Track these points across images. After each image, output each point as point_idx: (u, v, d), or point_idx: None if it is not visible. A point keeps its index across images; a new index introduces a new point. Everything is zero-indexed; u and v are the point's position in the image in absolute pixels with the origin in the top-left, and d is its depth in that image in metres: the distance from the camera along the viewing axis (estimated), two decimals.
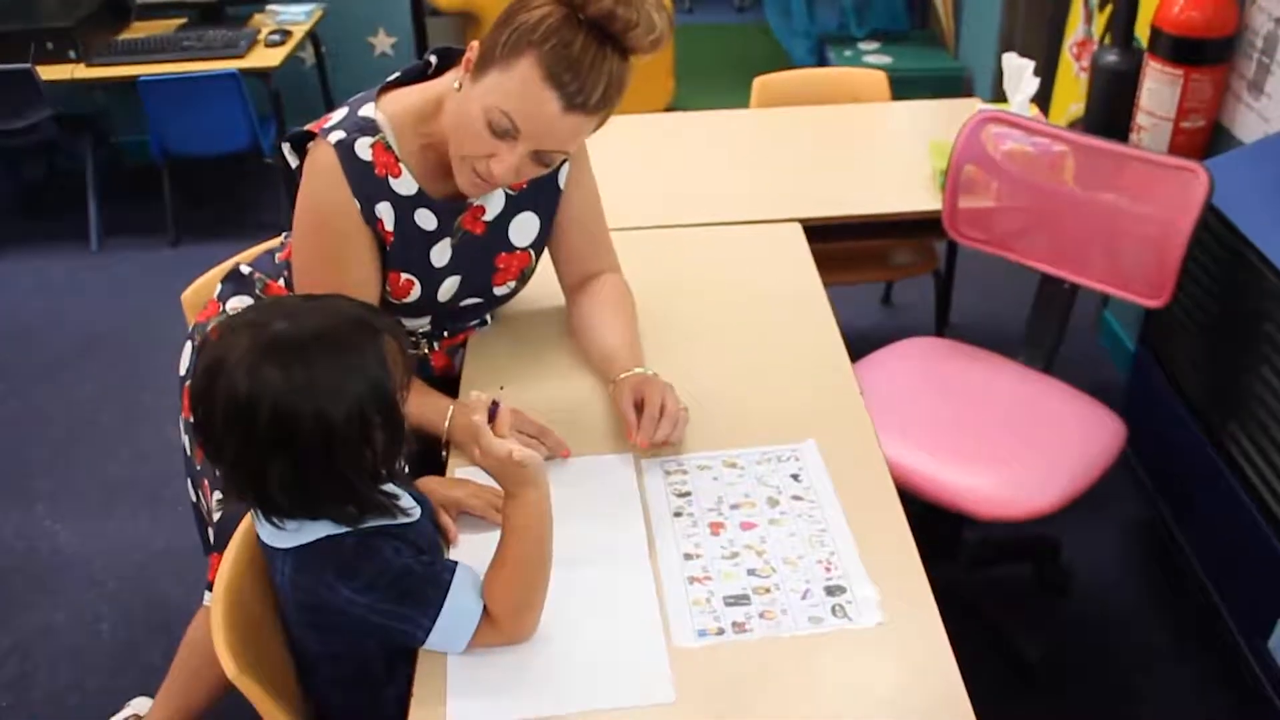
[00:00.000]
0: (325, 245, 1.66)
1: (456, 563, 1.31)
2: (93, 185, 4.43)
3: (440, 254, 1.73)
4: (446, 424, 1.67)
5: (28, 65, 4.04)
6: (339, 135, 1.60)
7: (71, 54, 4.19)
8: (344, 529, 1.25)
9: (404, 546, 1.28)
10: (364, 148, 1.61)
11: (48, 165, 4.88)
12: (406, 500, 1.33)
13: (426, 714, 1.23)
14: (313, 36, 4.69)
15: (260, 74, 4.15)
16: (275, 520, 1.25)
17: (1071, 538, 2.52)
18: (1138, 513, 2.65)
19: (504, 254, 1.79)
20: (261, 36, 4.32)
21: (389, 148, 1.63)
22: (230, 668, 1.27)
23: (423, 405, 1.67)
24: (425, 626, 1.26)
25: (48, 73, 4.11)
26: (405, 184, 1.65)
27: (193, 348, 1.89)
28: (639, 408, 1.63)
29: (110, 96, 4.55)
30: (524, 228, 1.80)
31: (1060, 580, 2.48)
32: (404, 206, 1.66)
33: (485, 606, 1.29)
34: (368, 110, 1.63)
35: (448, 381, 1.88)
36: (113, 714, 2.19)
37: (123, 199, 4.66)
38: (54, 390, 3.47)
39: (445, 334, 1.89)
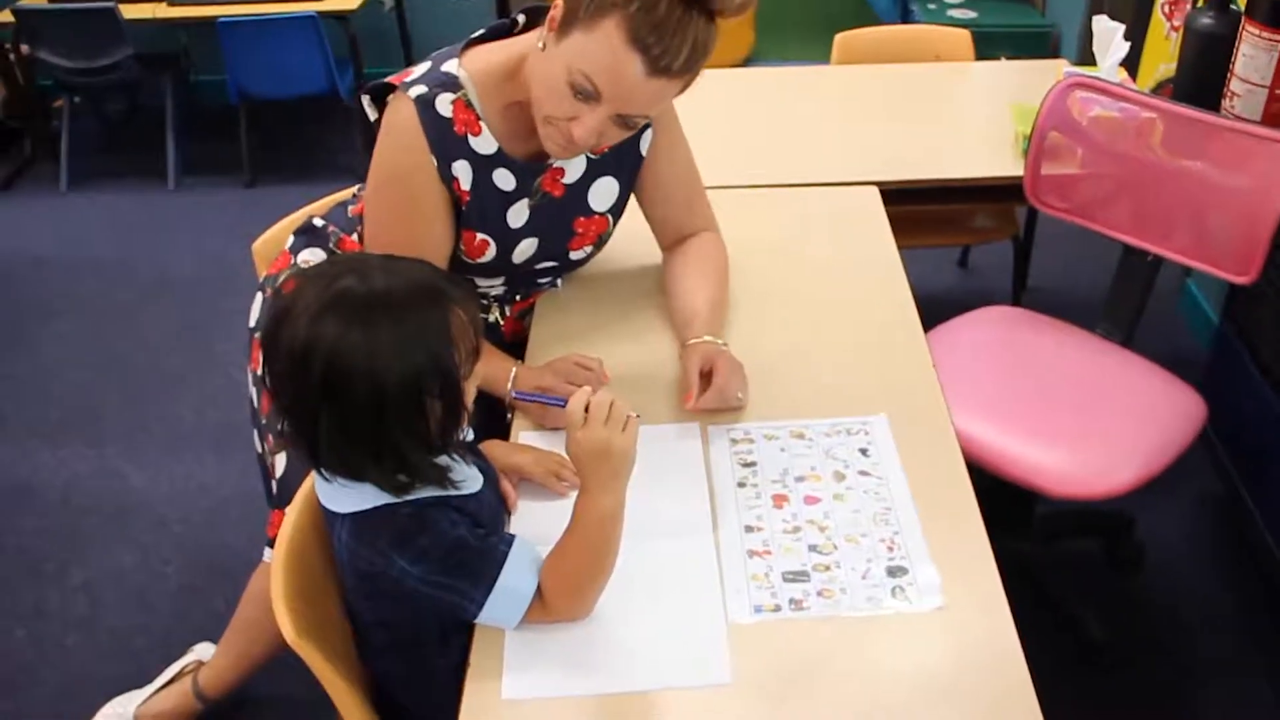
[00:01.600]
0: (398, 203, 1.65)
1: (514, 537, 1.30)
2: (172, 124, 4.49)
3: (517, 215, 1.71)
4: (509, 386, 1.66)
5: (111, 4, 4.09)
6: (420, 90, 1.58)
7: None
8: (406, 499, 1.25)
9: (461, 519, 1.27)
10: (445, 104, 1.59)
11: (130, 103, 4.95)
12: (465, 471, 1.32)
13: (482, 686, 1.23)
14: None
15: (339, 17, 4.16)
16: (325, 475, 1.25)
17: (1144, 513, 2.46)
18: (1213, 489, 2.58)
19: (582, 218, 1.77)
20: None
21: (470, 105, 1.61)
22: (289, 631, 1.28)
23: (486, 366, 1.67)
24: (477, 601, 1.25)
25: (130, 11, 4.17)
26: (485, 143, 1.63)
27: (263, 299, 1.90)
28: (704, 376, 1.62)
29: (191, 36, 4.58)
30: (603, 192, 1.77)
31: (1132, 557, 2.44)
32: (482, 166, 1.64)
33: (540, 588, 1.27)
34: (451, 66, 1.61)
35: (516, 345, 1.87)
36: (176, 657, 2.23)
37: (201, 138, 4.72)
38: (127, 330, 3.53)
39: (518, 298, 1.88)
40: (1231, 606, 2.36)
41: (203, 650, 2.22)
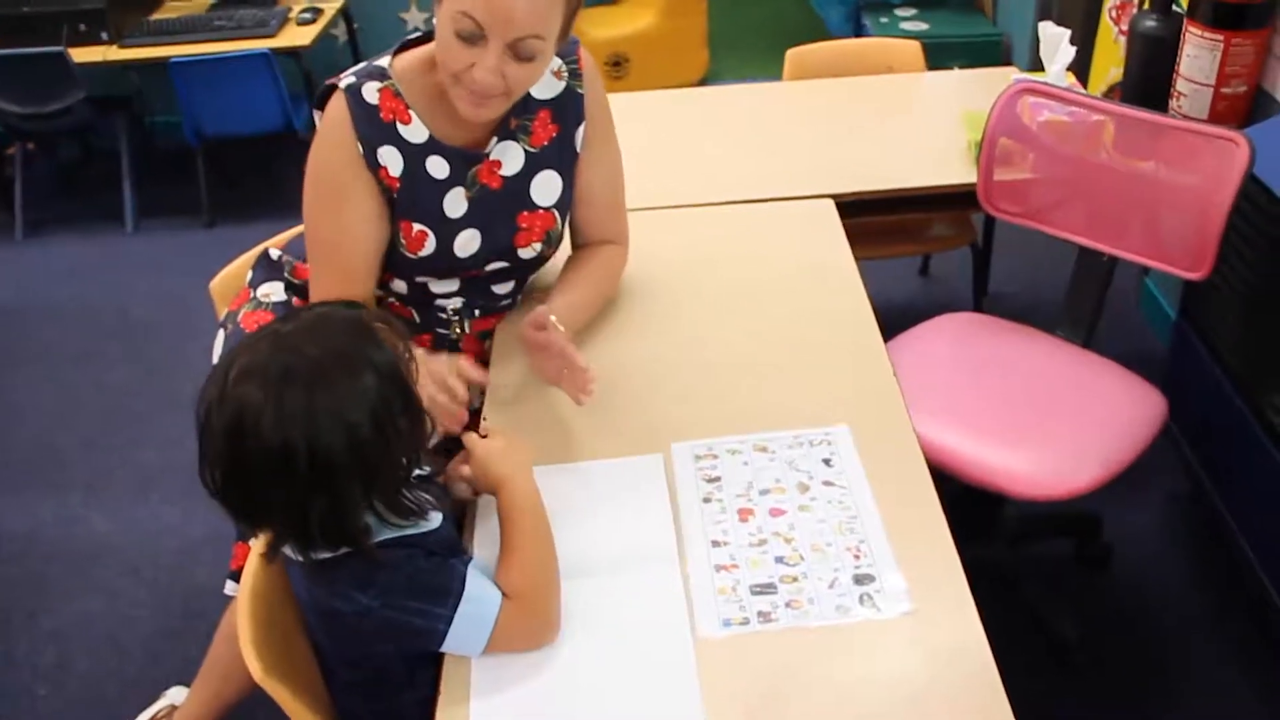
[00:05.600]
0: (325, 195, 1.68)
1: (469, 558, 1.32)
2: (127, 167, 4.45)
3: (454, 204, 1.71)
4: None
5: (60, 48, 4.06)
6: (349, 80, 1.65)
7: (104, 35, 4.22)
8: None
9: (417, 552, 1.27)
10: (371, 91, 1.64)
11: (82, 147, 4.91)
12: (427, 507, 1.32)
13: (450, 715, 1.23)
14: (344, 13, 4.69)
15: (292, 53, 4.15)
16: (312, 553, 1.24)
17: (1112, 512, 2.48)
18: (1179, 486, 2.60)
19: (525, 213, 1.78)
20: (293, 15, 4.32)
21: (398, 94, 1.65)
22: (256, 668, 1.27)
23: None
24: (445, 618, 1.24)
25: (80, 54, 4.14)
26: (416, 131, 1.66)
27: (224, 335, 1.89)
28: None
29: (144, 77, 4.55)
30: (547, 186, 1.78)
31: (1101, 556, 2.45)
32: (414, 153, 1.67)
33: (504, 593, 1.29)
34: (382, 61, 1.68)
35: (481, 365, 1.86)
36: (150, 702, 2.20)
37: (157, 180, 4.68)
38: (88, 375, 3.49)
39: (477, 312, 1.87)
40: (1201, 601, 2.37)
41: (175, 694, 2.20)
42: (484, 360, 1.87)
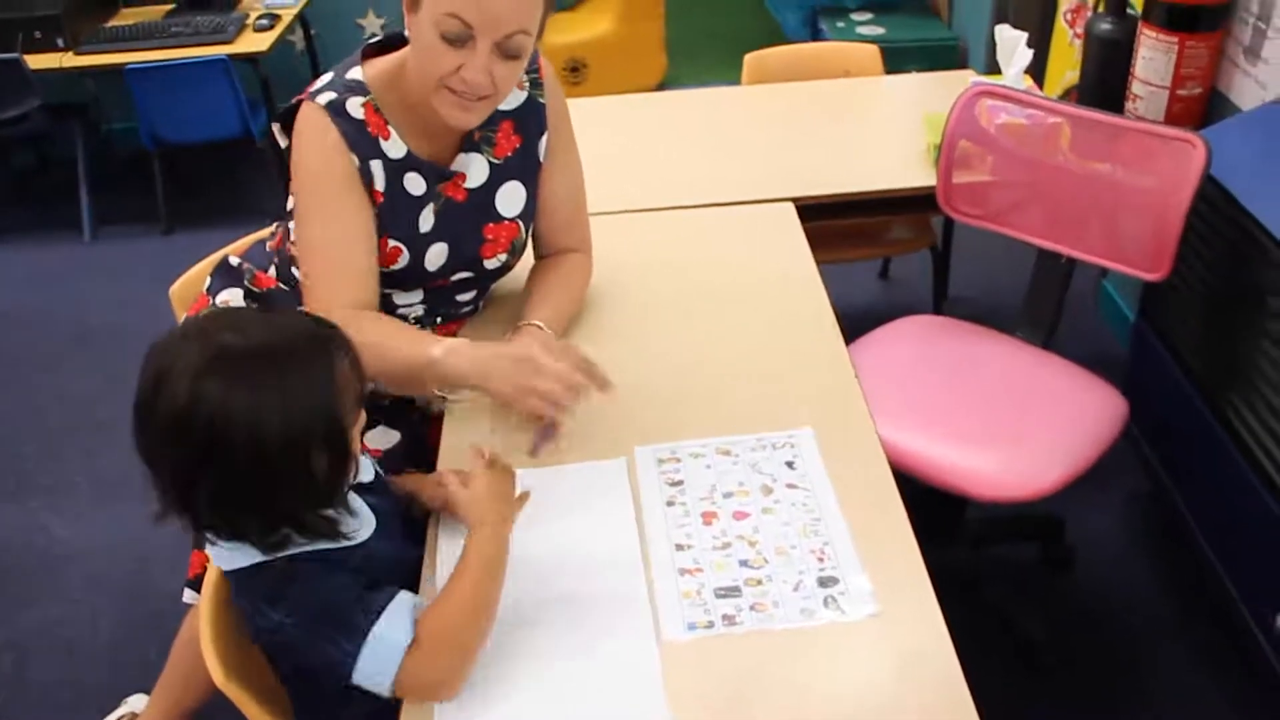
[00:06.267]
0: (329, 201, 1.63)
1: (399, 591, 1.26)
2: (84, 174, 4.41)
3: (425, 219, 1.71)
4: (442, 356, 1.59)
5: (16, 55, 4.01)
6: (330, 96, 1.61)
7: (60, 42, 4.16)
8: (285, 554, 1.22)
9: (339, 570, 1.24)
10: (355, 106, 1.62)
11: (38, 155, 4.85)
12: (350, 522, 1.30)
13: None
14: (302, 20, 4.66)
15: (249, 59, 4.12)
16: (210, 538, 1.23)
17: (1075, 514, 2.50)
18: (1141, 487, 2.62)
19: (491, 224, 1.77)
20: (250, 21, 4.28)
21: (378, 109, 1.63)
22: (218, 673, 1.27)
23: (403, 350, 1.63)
24: (350, 653, 1.20)
25: (36, 61, 4.09)
26: (395, 146, 1.65)
27: None
28: None
29: (100, 84, 4.51)
30: (511, 198, 1.78)
31: (1064, 558, 2.47)
32: (394, 169, 1.65)
33: (417, 637, 1.22)
34: (355, 74, 1.64)
35: None
36: (110, 710, 2.18)
37: (115, 187, 4.63)
38: (48, 383, 3.45)
39: (439, 319, 1.86)
40: (1165, 601, 2.39)
41: (135, 702, 2.18)
42: None
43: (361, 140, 1.62)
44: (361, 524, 1.31)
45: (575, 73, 4.93)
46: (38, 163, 4.88)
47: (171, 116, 4.11)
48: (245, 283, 1.87)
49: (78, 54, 4.15)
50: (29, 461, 3.09)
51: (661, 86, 5.13)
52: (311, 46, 4.82)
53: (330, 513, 1.24)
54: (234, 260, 1.91)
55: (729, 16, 5.85)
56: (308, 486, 1.19)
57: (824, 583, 1.35)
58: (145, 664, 2.32)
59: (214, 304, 1.87)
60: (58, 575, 2.69)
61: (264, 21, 4.26)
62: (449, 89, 1.53)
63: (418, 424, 1.83)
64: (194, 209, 4.47)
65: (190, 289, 1.99)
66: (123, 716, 2.14)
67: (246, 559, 1.23)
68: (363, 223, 1.65)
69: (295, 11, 4.46)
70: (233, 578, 1.26)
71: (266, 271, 1.84)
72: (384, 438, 1.80)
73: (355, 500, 1.32)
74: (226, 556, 1.24)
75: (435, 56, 1.50)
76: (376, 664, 1.20)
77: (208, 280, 1.92)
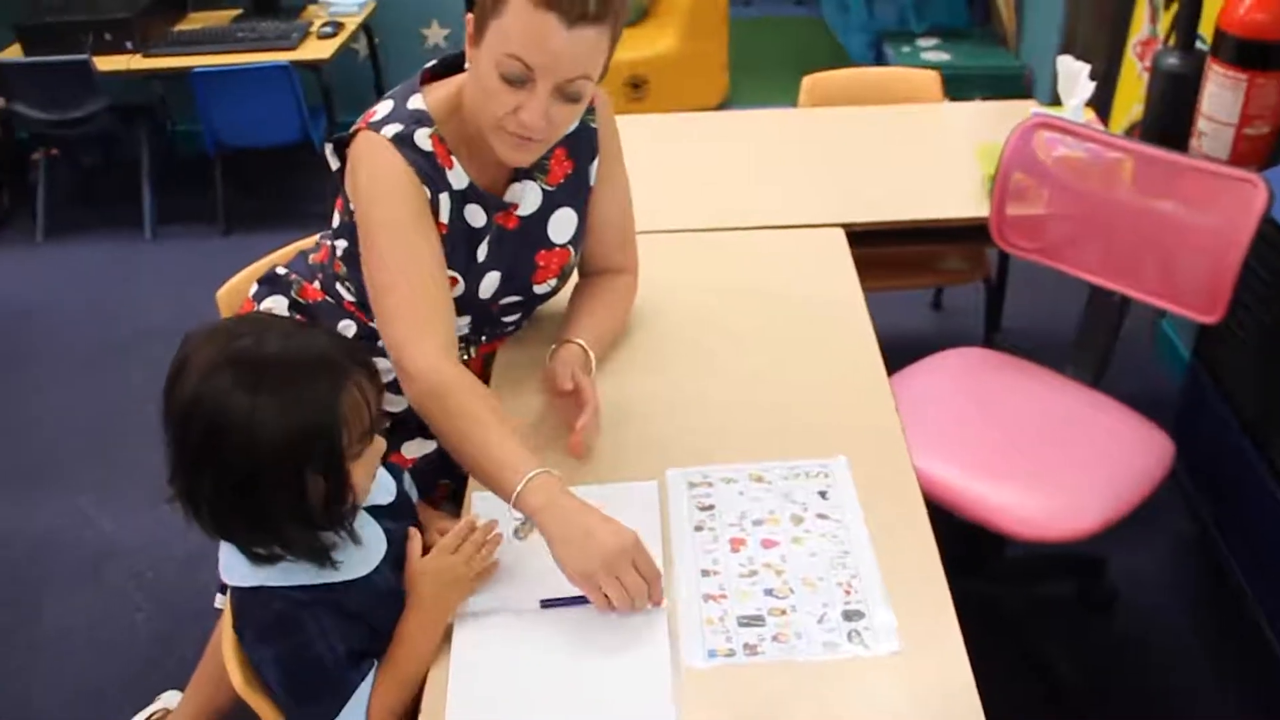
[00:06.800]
0: (403, 231, 1.56)
1: (374, 664, 1.29)
2: (147, 175, 4.49)
3: (482, 249, 1.70)
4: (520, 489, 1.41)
5: (85, 56, 4.09)
6: (395, 129, 1.57)
7: (128, 44, 4.25)
8: (284, 584, 1.24)
9: (331, 625, 1.26)
10: (424, 138, 1.58)
11: (105, 154, 4.94)
12: (353, 553, 1.30)
13: None
14: (365, 28, 4.71)
15: (312, 66, 4.17)
16: (207, 532, 1.24)
17: (1116, 554, 2.44)
18: (1187, 530, 2.56)
19: (544, 251, 1.76)
20: (314, 28, 4.34)
21: (443, 140, 1.60)
22: (237, 679, 1.27)
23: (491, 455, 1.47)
24: None
25: (105, 63, 4.17)
26: (458, 177, 1.63)
27: None
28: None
29: (166, 87, 4.59)
30: (563, 224, 1.76)
31: (1104, 599, 2.41)
32: (458, 200, 1.63)
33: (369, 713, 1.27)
34: (416, 102, 1.61)
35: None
36: (144, 706, 2.20)
37: (177, 188, 4.71)
38: (103, 379, 3.51)
39: (484, 338, 1.86)
40: (1205, 648, 2.33)
41: (169, 699, 2.20)
42: (485, 381, 1.86)
43: (433, 173, 1.59)
44: (368, 553, 1.32)
45: (636, 89, 4.94)
46: (104, 162, 4.97)
47: (234, 121, 4.17)
48: (292, 293, 1.88)
49: (146, 57, 4.22)
50: (80, 457, 3.14)
51: (723, 106, 5.12)
52: (375, 55, 4.86)
53: (325, 536, 1.25)
54: (281, 269, 1.92)
55: (793, 38, 5.85)
56: (298, 506, 1.20)
57: (849, 616, 1.33)
58: (182, 662, 2.35)
59: (258, 310, 1.88)
60: (102, 570, 2.72)
61: (328, 29, 4.32)
62: (506, 129, 1.51)
63: None
64: (253, 212, 4.52)
65: (236, 295, 2.00)
66: (155, 713, 2.16)
67: (248, 578, 1.25)
68: (439, 257, 1.60)
69: (359, 20, 4.51)
70: (234, 593, 1.27)
71: (312, 284, 1.84)
72: (419, 448, 1.80)
73: (368, 526, 1.33)
74: (232, 568, 1.25)
75: (494, 95, 1.47)
76: None
77: (254, 287, 1.94)
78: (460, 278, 1.68)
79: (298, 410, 1.17)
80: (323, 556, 1.25)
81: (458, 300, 1.70)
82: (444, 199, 1.61)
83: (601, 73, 1.53)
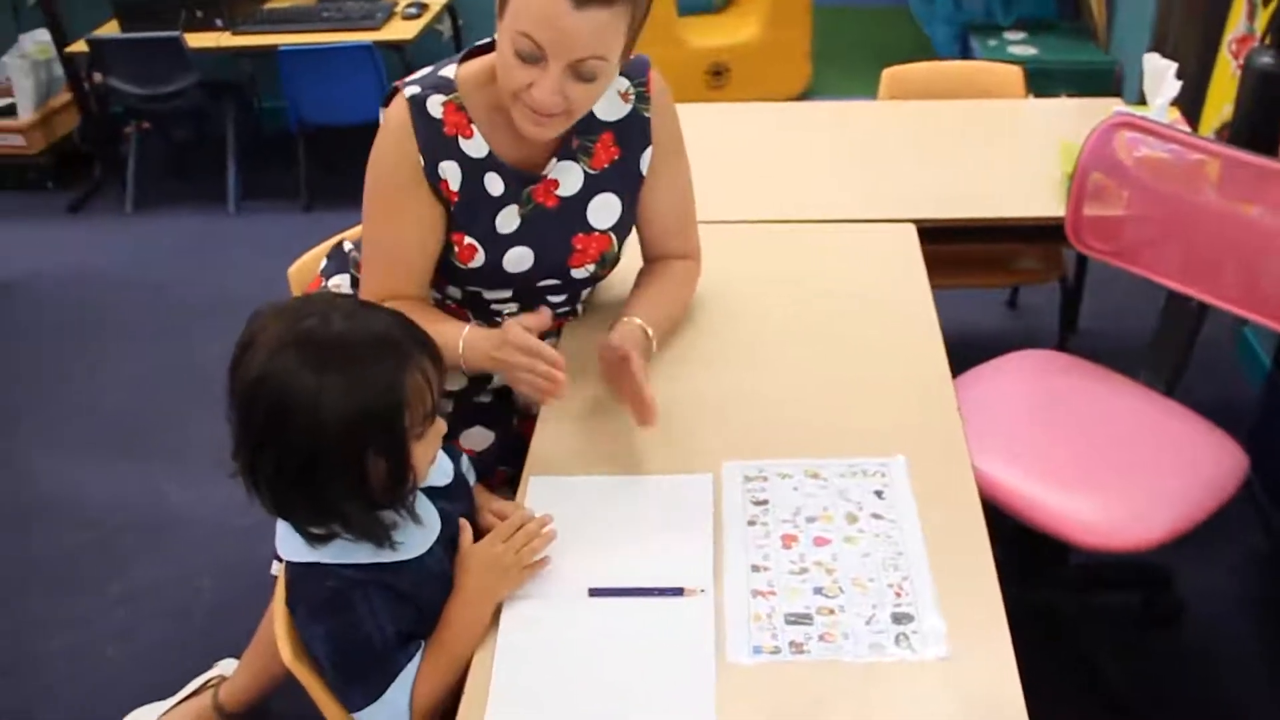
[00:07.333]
0: (385, 199, 1.68)
1: (420, 646, 1.30)
2: (232, 150, 4.59)
3: (506, 221, 1.70)
4: (460, 352, 1.63)
5: (177, 33, 4.18)
6: (414, 90, 1.63)
7: (218, 22, 4.32)
8: (338, 561, 1.26)
9: (381, 606, 1.27)
10: (435, 105, 1.63)
11: (194, 129, 5.03)
12: (411, 533, 1.32)
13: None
14: (449, 9, 4.74)
15: (395, 46, 4.21)
16: (267, 508, 1.27)
17: (1184, 567, 2.38)
18: (1260, 543, 2.50)
19: (581, 235, 1.76)
20: (399, 9, 4.38)
21: (461, 108, 1.64)
22: (286, 653, 1.29)
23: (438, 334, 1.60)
24: (358, 705, 1.26)
25: (196, 40, 4.25)
26: (476, 145, 1.65)
27: None
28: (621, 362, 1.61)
29: (254, 64, 4.67)
30: (605, 209, 1.76)
31: (1169, 612, 2.36)
32: (473, 168, 1.66)
33: (413, 695, 1.28)
34: (448, 71, 1.66)
35: None
36: (202, 671, 2.25)
37: (261, 164, 4.80)
38: (180, 349, 3.58)
39: None
40: (1269, 668, 2.27)
41: (226, 666, 2.24)
42: None
43: (434, 139, 1.63)
44: (424, 535, 1.33)
45: (718, 76, 4.91)
46: (194, 137, 5.07)
47: (317, 98, 4.24)
48: (351, 269, 1.91)
49: (235, 34, 4.31)
50: (154, 426, 3.22)
51: (804, 95, 5.08)
52: (459, 36, 4.89)
53: (385, 515, 1.26)
54: (347, 246, 1.95)
55: (878, 27, 5.77)
56: (360, 486, 1.21)
57: (898, 619, 1.31)
58: (245, 629, 2.38)
59: (325, 286, 1.91)
60: (171, 538, 2.78)
61: (412, 10, 4.36)
62: (523, 103, 1.53)
63: (514, 424, 1.84)
64: (333, 188, 4.59)
65: (307, 271, 2.04)
66: (212, 679, 2.20)
67: (302, 554, 1.26)
68: (420, 221, 1.67)
69: (444, 1, 4.54)
70: (288, 568, 1.29)
71: None
72: (481, 438, 1.81)
73: (424, 507, 1.34)
74: (287, 541, 1.27)
75: (510, 70, 1.50)
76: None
77: (323, 262, 1.97)
78: (479, 246, 1.70)
79: (362, 391, 1.19)
80: (382, 536, 1.27)
81: (484, 271, 1.73)
82: (448, 167, 1.65)
83: (621, 55, 1.54)
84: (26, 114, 4.79)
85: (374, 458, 1.21)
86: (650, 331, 1.72)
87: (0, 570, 2.72)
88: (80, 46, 4.41)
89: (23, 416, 3.33)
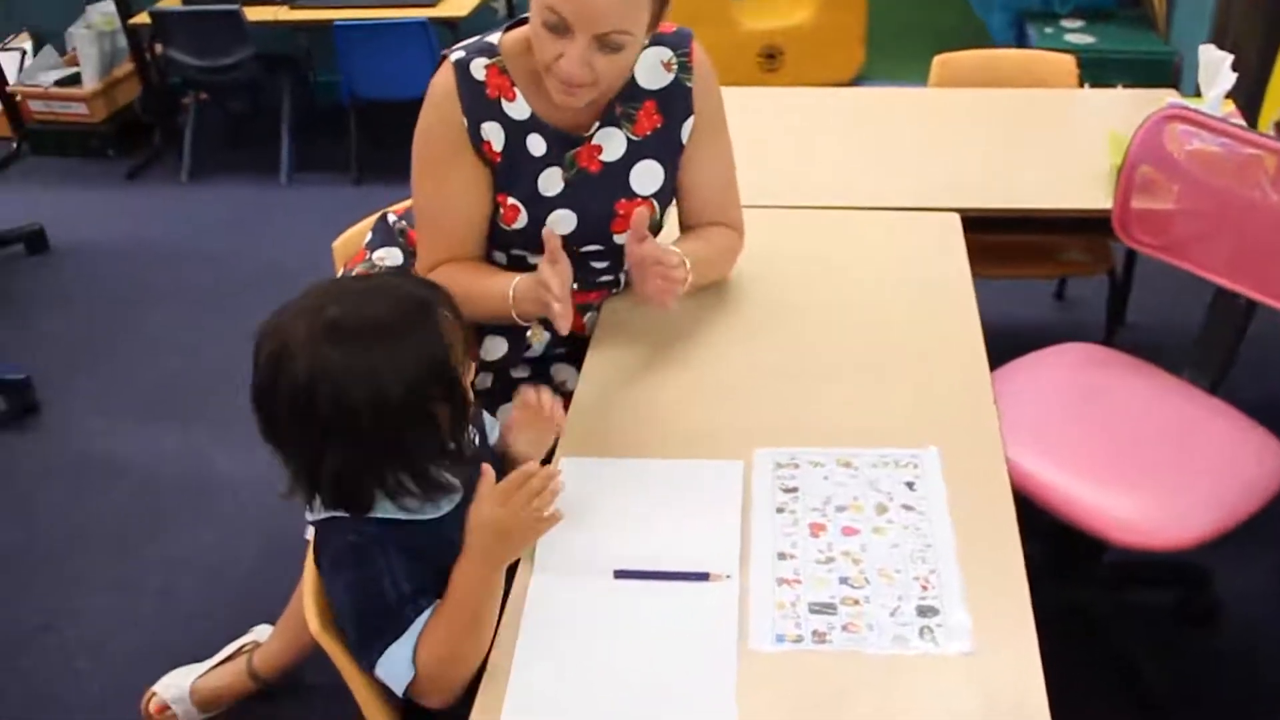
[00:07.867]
0: (431, 161, 1.74)
1: (435, 602, 1.29)
2: (287, 122, 4.64)
3: (550, 183, 1.74)
4: (511, 300, 1.69)
5: (236, 6, 4.22)
6: (459, 55, 1.69)
7: None
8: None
9: (399, 563, 1.27)
10: (479, 68, 1.68)
11: (251, 101, 5.08)
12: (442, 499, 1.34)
13: (485, 698, 1.24)
14: None
15: (450, 23, 4.23)
16: (327, 508, 1.29)
17: (1224, 567, 2.35)
18: None
19: (624, 200, 1.79)
20: None
21: (504, 71, 1.69)
22: (313, 623, 1.31)
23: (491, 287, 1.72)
24: (370, 659, 1.27)
25: (254, 14, 4.30)
26: (519, 108, 1.70)
27: None
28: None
29: (310, 38, 4.71)
30: (647, 175, 1.79)
31: (1205, 612, 2.33)
32: (515, 130, 1.71)
33: (417, 651, 1.26)
34: (493, 38, 1.71)
35: (578, 341, 1.88)
36: (238, 637, 2.28)
37: (314, 137, 4.85)
38: (229, 316, 3.63)
39: (575, 285, 1.86)
40: None
41: (260, 632, 2.28)
42: (584, 337, 1.88)
43: (478, 101, 1.68)
44: (451, 495, 1.35)
45: (770, 59, 4.88)
46: (251, 109, 5.12)
47: (370, 73, 4.28)
48: (399, 241, 1.93)
49: (292, 8, 4.35)
50: (202, 392, 3.26)
51: (857, 80, 5.04)
52: (513, 13, 4.89)
53: (440, 478, 1.30)
54: (392, 218, 1.97)
55: (933, 12, 5.69)
56: (432, 440, 1.25)
57: (923, 612, 1.31)
58: (281, 596, 2.42)
59: (370, 259, 1.93)
60: (213, 504, 2.83)
61: None
62: (551, 72, 1.58)
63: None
64: (384, 162, 4.61)
65: (352, 244, 2.06)
66: (246, 644, 2.24)
67: (323, 511, 1.29)
68: (467, 184, 1.72)
69: None
70: (315, 529, 1.31)
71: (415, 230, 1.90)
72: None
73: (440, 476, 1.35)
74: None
75: (539, 41, 1.56)
76: (390, 676, 1.27)
77: (368, 235, 1.99)
78: (522, 207, 1.74)
79: (414, 354, 1.22)
80: (447, 488, 1.31)
81: (527, 232, 1.76)
82: (491, 128, 1.69)
83: (647, 28, 1.59)
84: (91, 83, 4.88)
85: (439, 406, 1.25)
86: (688, 261, 1.74)
87: (48, 528, 2.78)
88: (143, 18, 4.47)
89: (76, 377, 3.39)
